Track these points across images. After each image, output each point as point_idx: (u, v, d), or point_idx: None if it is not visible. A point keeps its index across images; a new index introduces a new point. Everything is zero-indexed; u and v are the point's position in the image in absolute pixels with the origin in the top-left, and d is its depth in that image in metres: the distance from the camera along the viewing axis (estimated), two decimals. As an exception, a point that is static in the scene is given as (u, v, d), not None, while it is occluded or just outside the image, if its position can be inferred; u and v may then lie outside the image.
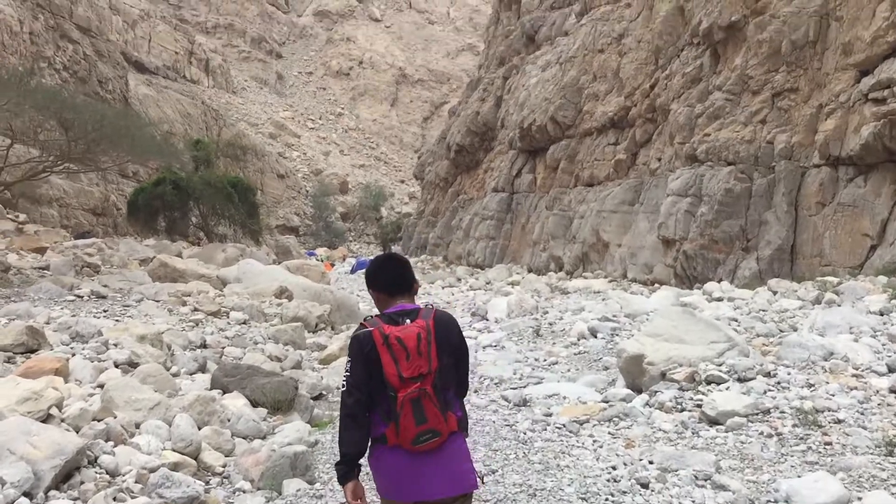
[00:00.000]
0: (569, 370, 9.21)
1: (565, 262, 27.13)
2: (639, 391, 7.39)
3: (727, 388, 6.62)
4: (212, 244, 29.22)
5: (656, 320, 8.08)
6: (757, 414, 6.06)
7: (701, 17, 21.72)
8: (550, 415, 6.77)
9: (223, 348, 10.48)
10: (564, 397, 7.38)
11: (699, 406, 6.39)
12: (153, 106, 61.87)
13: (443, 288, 25.51)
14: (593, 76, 29.17)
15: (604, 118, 27.57)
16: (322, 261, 41.95)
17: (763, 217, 18.36)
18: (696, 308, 12.86)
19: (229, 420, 6.69)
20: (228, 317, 12.82)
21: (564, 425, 6.29)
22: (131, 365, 8.33)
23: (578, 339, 11.17)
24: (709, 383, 6.84)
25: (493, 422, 6.62)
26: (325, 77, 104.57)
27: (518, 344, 11.67)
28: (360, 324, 3.11)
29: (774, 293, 13.61)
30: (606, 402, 7.09)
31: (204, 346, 10.49)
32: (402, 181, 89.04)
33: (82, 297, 14.19)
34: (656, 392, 6.89)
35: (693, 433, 5.95)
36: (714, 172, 19.57)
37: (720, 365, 7.12)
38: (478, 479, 3.11)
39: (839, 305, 10.69)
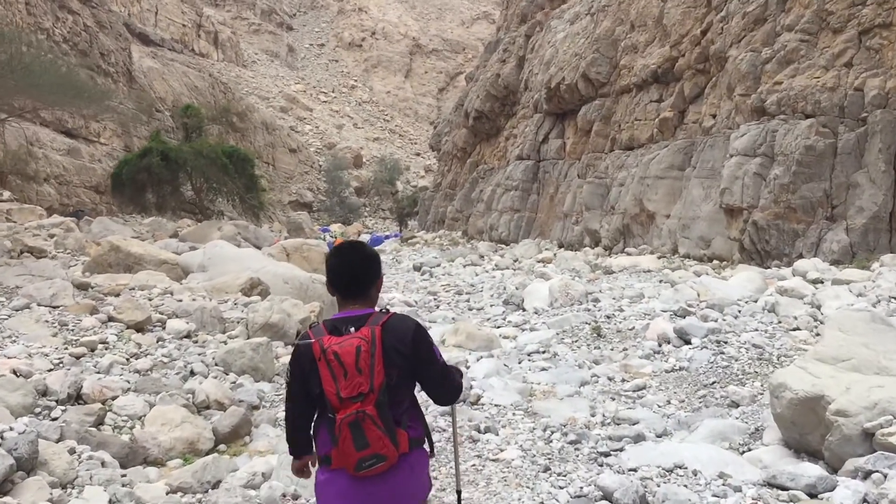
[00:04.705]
0: (668, 402, 6.17)
1: (602, 237, 24.02)
2: (812, 455, 4.40)
3: None
4: (207, 221, 26.28)
5: (831, 334, 5.03)
6: None
7: (766, -55, 18.41)
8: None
9: (111, 399, 6.01)
10: (696, 472, 4.34)
11: None
12: (158, 79, 59.26)
13: (464, 266, 22.33)
14: (631, 25, 25.83)
15: (645, 72, 24.27)
16: (335, 237, 39.56)
17: (853, 179, 15.22)
18: (803, 296, 9.83)
19: None
20: (164, 328, 8.52)
21: None
22: None
23: (661, 345, 8.09)
24: (968, 456, 3.83)
25: None
26: (338, 49, 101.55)
27: (574, 349, 8.63)
28: (305, 332, 2.71)
29: (901, 273, 10.52)
30: (782, 488, 4.06)
31: (76, 399, 5.97)
32: (418, 154, 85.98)
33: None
34: (872, 472, 3.85)
35: None
36: (789, 127, 16.39)
37: (970, 417, 4.11)
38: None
39: None
